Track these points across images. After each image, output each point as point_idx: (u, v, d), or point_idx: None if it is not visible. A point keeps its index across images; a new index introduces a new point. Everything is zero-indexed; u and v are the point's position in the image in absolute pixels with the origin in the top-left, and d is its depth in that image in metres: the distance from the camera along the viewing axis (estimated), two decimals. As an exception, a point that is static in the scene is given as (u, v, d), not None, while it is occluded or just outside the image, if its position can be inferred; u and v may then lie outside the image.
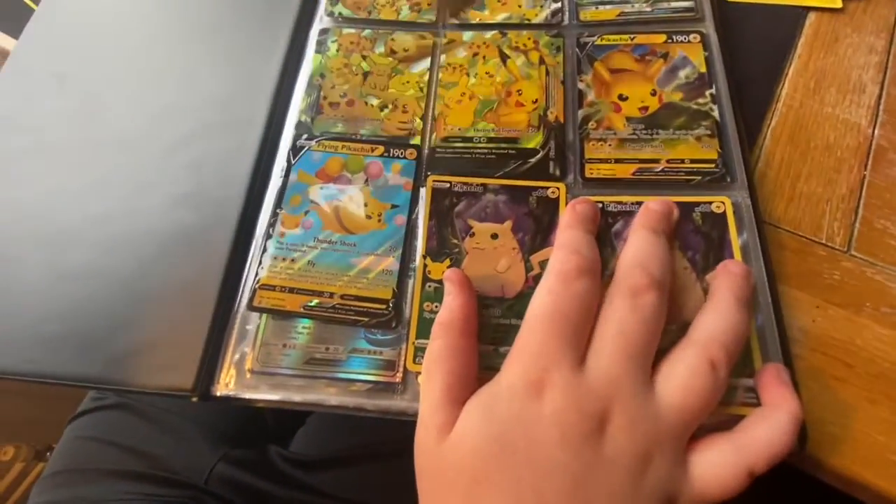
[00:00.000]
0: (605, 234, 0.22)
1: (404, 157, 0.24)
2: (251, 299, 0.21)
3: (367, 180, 0.24)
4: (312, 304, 0.21)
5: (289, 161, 0.25)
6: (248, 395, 0.20)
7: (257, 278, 0.22)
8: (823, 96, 0.27)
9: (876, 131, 0.26)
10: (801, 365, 0.20)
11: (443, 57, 0.28)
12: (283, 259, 0.22)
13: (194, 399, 0.20)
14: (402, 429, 0.19)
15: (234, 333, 0.21)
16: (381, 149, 0.25)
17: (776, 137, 0.26)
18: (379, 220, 0.23)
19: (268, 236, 0.23)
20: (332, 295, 0.21)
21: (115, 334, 0.22)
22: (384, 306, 0.21)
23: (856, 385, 0.20)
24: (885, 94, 0.27)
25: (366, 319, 0.21)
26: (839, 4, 0.31)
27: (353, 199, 0.23)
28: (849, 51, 0.29)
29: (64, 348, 0.22)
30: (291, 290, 0.21)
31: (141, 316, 0.22)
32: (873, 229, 0.23)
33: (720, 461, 0.16)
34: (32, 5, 0.41)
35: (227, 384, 0.20)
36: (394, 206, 0.23)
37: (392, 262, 0.22)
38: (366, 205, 0.23)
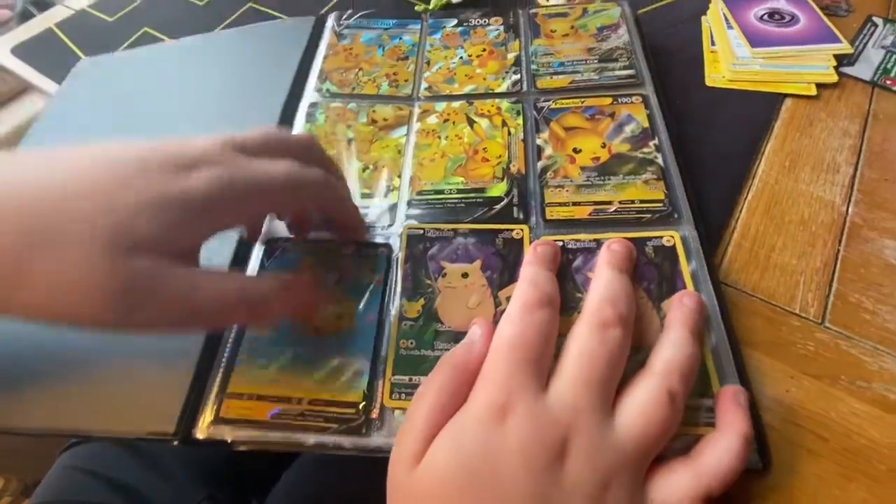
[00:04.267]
0: (567, 269, 0.23)
1: (375, 255, 0.25)
2: (218, 410, 0.21)
3: (338, 279, 0.25)
4: (277, 411, 0.21)
5: (262, 264, 0.25)
6: (227, 438, 0.21)
7: (225, 388, 0.22)
8: (798, 174, 0.29)
9: (850, 209, 0.27)
10: (774, 435, 0.20)
11: (418, 124, 0.31)
12: (254, 364, 0.22)
13: (175, 443, 0.20)
14: (376, 478, 0.19)
15: (217, 378, 0.22)
16: (353, 247, 0.26)
17: (752, 210, 0.27)
18: (350, 320, 0.23)
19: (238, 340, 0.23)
20: (300, 401, 0.21)
21: (96, 379, 0.22)
22: (354, 410, 0.21)
23: (830, 460, 0.20)
24: (860, 174, 0.29)
25: (335, 426, 0.20)
26: (814, 92, 0.33)
27: (324, 298, 0.24)
28: (823, 133, 0.31)
29: (41, 398, 0.22)
30: (260, 398, 0.21)
31: (123, 361, 0.23)
32: (847, 303, 0.24)
33: (678, 486, 0.17)
34: (80, 52, 0.47)
35: (206, 427, 0.21)
36: (366, 304, 0.24)
37: (363, 363, 0.22)
38: (337, 303, 0.24)
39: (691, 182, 0.26)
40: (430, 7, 0.43)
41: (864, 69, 0.34)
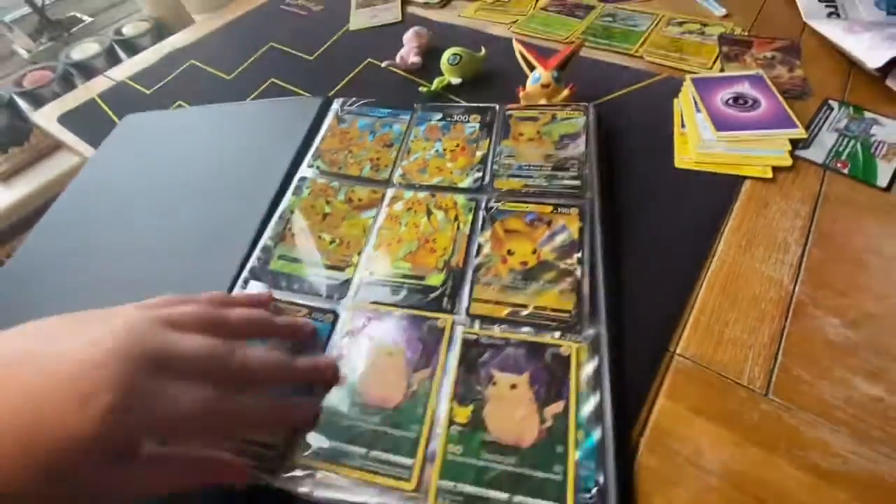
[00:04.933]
0: (474, 363, 0.27)
1: (322, 321, 0.29)
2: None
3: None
4: None
5: None
6: None
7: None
8: (753, 253, 0.32)
9: (797, 287, 0.31)
10: (716, 497, 0.23)
11: (386, 209, 0.35)
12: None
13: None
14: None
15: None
16: (306, 311, 0.30)
17: (710, 287, 0.31)
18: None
19: None
20: None
21: None
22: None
23: (766, 521, 0.23)
24: (807, 254, 0.32)
25: None
26: (770, 175, 0.37)
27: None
28: (777, 214, 0.35)
29: None
30: None
31: None
32: (790, 376, 0.27)
33: None
34: (115, 118, 0.53)
35: None
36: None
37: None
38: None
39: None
40: (433, 88, 0.48)
41: (817, 152, 0.38)
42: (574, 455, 0.23)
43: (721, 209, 0.35)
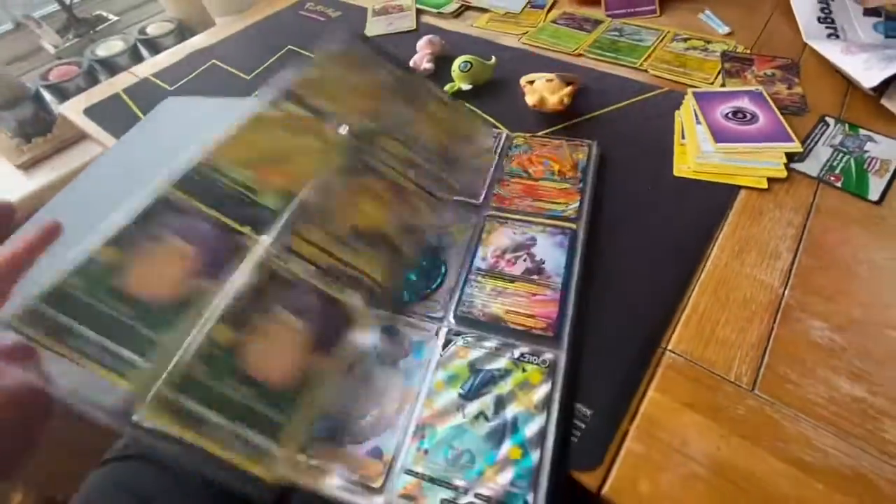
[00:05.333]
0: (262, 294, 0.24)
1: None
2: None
3: None
4: None
5: None
6: None
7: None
8: (745, 259, 0.34)
9: (786, 292, 0.32)
10: (702, 486, 0.24)
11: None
12: None
13: None
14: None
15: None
16: None
17: (702, 289, 0.32)
18: None
19: None
20: None
21: None
22: None
23: (739, 500, 0.24)
24: (798, 261, 0.33)
25: None
26: (765, 185, 0.38)
27: None
28: (770, 223, 0.36)
29: None
30: None
31: None
32: (775, 374, 0.28)
33: None
34: (140, 115, 0.55)
35: None
36: None
37: None
38: None
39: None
40: (443, 92, 0.50)
41: (812, 165, 0.40)
42: (508, 473, 0.24)
43: (716, 216, 0.37)
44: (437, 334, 0.30)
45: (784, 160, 0.40)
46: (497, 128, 0.46)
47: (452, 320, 0.31)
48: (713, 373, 0.28)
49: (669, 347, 0.30)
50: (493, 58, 0.52)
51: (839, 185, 0.38)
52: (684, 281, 0.33)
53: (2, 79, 0.69)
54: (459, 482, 0.25)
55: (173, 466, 0.41)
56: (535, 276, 0.32)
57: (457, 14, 0.65)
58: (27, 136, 0.75)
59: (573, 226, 0.35)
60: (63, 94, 0.76)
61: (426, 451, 0.26)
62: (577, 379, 0.28)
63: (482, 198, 0.38)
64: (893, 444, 0.25)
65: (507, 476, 0.24)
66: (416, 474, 0.25)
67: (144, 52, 0.84)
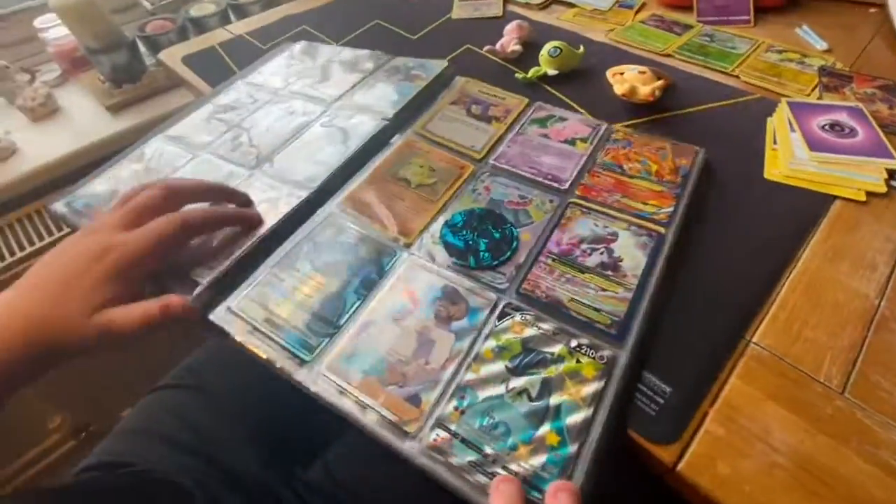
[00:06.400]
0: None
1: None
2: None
3: None
4: None
5: None
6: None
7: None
8: (838, 266, 0.33)
9: (882, 303, 0.31)
10: (784, 475, 0.24)
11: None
12: None
13: None
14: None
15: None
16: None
17: (792, 288, 0.32)
18: None
19: None
20: None
21: None
22: None
23: (830, 501, 0.23)
24: (895, 275, 0.32)
25: None
26: (863, 198, 0.37)
27: None
28: (867, 235, 0.35)
29: None
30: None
31: None
32: (868, 381, 0.27)
33: None
34: (232, 65, 0.57)
35: None
36: None
37: None
38: None
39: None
40: (528, 76, 0.50)
41: (913, 186, 0.38)
42: (542, 456, 0.24)
43: (809, 221, 0.36)
44: (495, 305, 0.30)
45: (885, 176, 0.38)
46: (579, 112, 0.46)
47: (515, 295, 0.31)
48: (800, 370, 0.28)
49: (754, 340, 0.29)
50: (582, 47, 0.52)
51: (944, 207, 0.36)
52: (774, 278, 0.32)
53: (107, 24, 0.74)
54: (489, 451, 0.24)
55: (222, 397, 0.43)
56: (609, 272, 0.32)
57: (544, 6, 0.66)
58: (118, 82, 0.80)
59: (662, 230, 0.34)
60: (156, 45, 0.81)
61: (462, 412, 0.26)
62: (637, 380, 0.28)
63: (568, 183, 0.38)
64: None
65: (539, 459, 0.24)
66: (449, 430, 0.25)
67: (232, 16, 0.88)
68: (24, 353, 0.29)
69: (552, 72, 0.50)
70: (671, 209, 0.35)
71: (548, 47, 0.50)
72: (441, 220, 0.35)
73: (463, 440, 0.25)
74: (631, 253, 0.32)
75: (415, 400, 0.26)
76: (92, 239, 0.31)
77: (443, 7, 0.67)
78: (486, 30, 0.60)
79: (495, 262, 0.32)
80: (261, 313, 0.30)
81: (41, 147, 0.71)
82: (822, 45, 0.55)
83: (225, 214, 0.36)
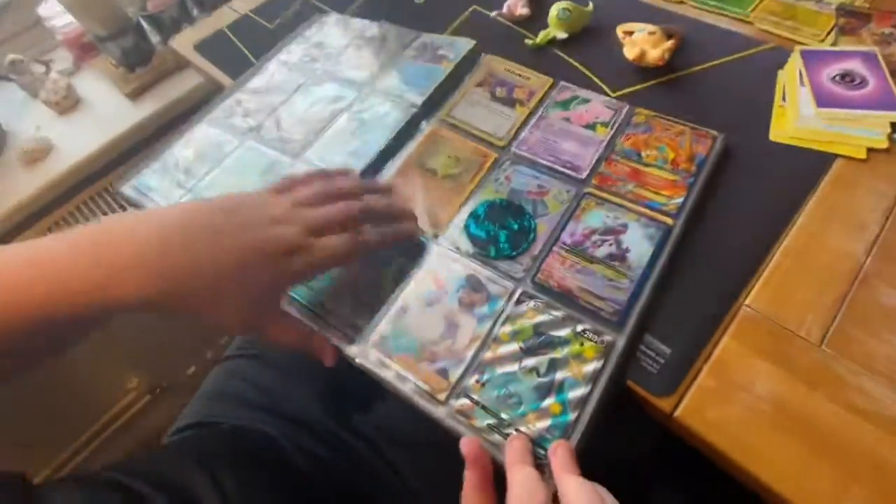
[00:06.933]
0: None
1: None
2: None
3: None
4: None
5: None
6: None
7: None
8: (831, 227, 0.36)
9: (867, 261, 0.34)
10: (764, 419, 0.29)
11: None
12: None
13: None
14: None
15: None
16: None
17: (786, 252, 0.35)
18: None
19: None
20: None
21: None
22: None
23: (798, 439, 0.28)
24: (884, 234, 0.35)
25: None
26: (864, 155, 0.39)
27: None
28: (863, 194, 0.37)
29: None
30: None
31: None
32: (844, 334, 0.31)
33: None
34: (247, 52, 0.59)
35: None
36: None
37: None
38: None
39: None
40: (538, 41, 0.50)
41: (917, 137, 0.39)
42: (546, 421, 0.29)
43: (809, 183, 0.38)
44: (512, 293, 0.35)
45: (888, 130, 0.39)
46: (594, 82, 0.47)
47: (530, 283, 0.35)
48: (785, 328, 0.32)
49: (747, 303, 0.33)
50: (591, 3, 0.51)
51: (943, 159, 0.38)
52: (769, 243, 0.35)
53: (111, 9, 0.74)
54: (505, 416, 0.30)
55: (279, 362, 0.50)
56: (615, 263, 0.35)
57: (550, -50, 0.63)
58: (130, 66, 0.81)
59: (669, 221, 0.36)
60: (158, 23, 0.80)
61: (483, 385, 0.31)
62: (631, 360, 0.32)
63: (585, 172, 0.40)
64: (945, 401, 0.29)
65: (544, 423, 0.29)
66: (472, 399, 0.31)
67: (230, -18, 0.86)
68: (139, 306, 0.27)
69: (562, 35, 0.50)
70: (681, 200, 0.37)
71: (556, 9, 0.50)
72: (466, 210, 0.39)
73: (483, 407, 0.31)
74: (638, 244, 0.35)
75: (443, 374, 0.32)
76: (281, 231, 0.31)
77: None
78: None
79: (514, 253, 0.36)
80: (313, 297, 0.36)
81: (74, 142, 0.75)
82: (844, -25, 0.52)
83: (396, 236, 0.37)
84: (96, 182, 0.77)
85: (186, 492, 0.32)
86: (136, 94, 0.80)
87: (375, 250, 0.35)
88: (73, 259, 0.26)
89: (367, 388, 0.50)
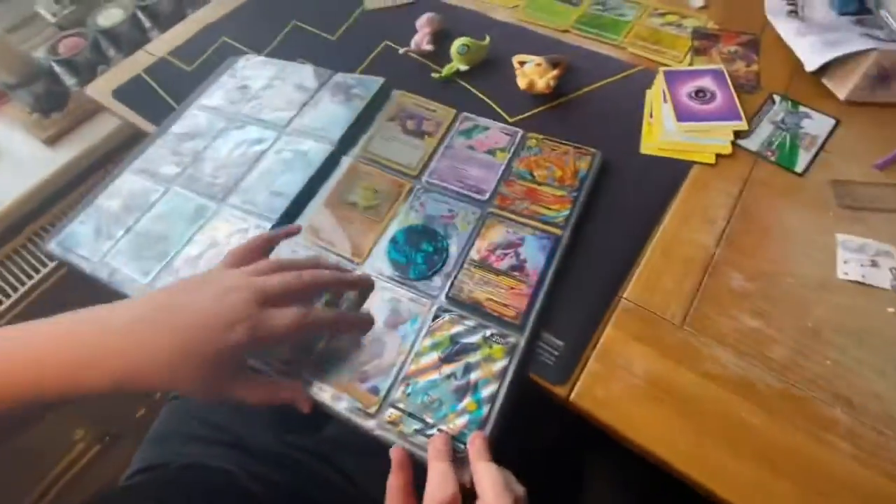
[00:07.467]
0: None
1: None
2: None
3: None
4: None
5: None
6: None
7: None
8: (690, 224, 0.43)
9: (717, 251, 0.41)
10: (639, 392, 0.35)
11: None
12: None
13: None
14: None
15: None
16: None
17: (655, 251, 0.42)
18: None
19: None
20: None
21: None
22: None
23: (670, 405, 0.35)
24: (729, 226, 0.43)
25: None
26: (713, 161, 0.47)
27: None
28: (713, 193, 0.45)
29: None
30: None
31: None
32: (700, 313, 0.38)
33: None
34: (164, 95, 0.60)
35: None
36: None
37: None
38: None
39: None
40: (443, 74, 0.56)
41: (753, 142, 0.48)
42: (465, 418, 0.34)
43: (672, 188, 0.45)
44: (430, 309, 0.39)
45: (732, 137, 0.47)
46: (495, 110, 0.53)
47: (444, 299, 0.40)
48: (654, 314, 0.39)
49: (625, 296, 0.40)
50: (487, 37, 0.57)
51: (773, 159, 0.46)
52: (641, 243, 0.42)
53: (18, 56, 0.72)
54: (429, 419, 0.34)
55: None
56: (515, 273, 0.40)
57: (451, -16, 0.68)
58: (44, 112, 0.79)
59: (558, 232, 0.42)
60: (74, 67, 0.79)
61: (409, 394, 0.36)
62: (531, 357, 0.37)
63: (488, 195, 0.45)
64: (775, 361, 0.36)
65: (463, 420, 0.34)
66: (399, 409, 0.35)
67: (144, 19, 0.86)
68: (110, 389, 0.30)
69: (464, 67, 0.56)
70: (568, 212, 0.43)
71: (456, 45, 0.55)
72: (385, 238, 0.43)
73: (410, 414, 0.35)
74: (533, 254, 0.41)
75: (373, 390, 0.36)
76: (230, 300, 0.31)
77: (355, -3, 0.69)
78: (400, 19, 0.63)
79: (430, 273, 0.41)
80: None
81: (-7, 194, 0.72)
82: (698, 2, 0.61)
83: (346, 317, 0.38)
84: (20, 233, 0.75)
85: None
86: (53, 140, 0.78)
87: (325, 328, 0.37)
88: (52, 353, 0.30)
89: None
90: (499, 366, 0.36)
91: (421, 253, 0.42)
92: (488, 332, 0.38)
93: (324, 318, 0.35)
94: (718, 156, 0.47)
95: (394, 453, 0.32)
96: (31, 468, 0.96)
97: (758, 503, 0.31)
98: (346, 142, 0.50)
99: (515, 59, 0.56)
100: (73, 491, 1.01)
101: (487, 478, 0.29)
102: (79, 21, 0.87)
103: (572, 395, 0.36)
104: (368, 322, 0.38)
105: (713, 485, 0.32)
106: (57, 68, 0.79)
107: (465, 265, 0.41)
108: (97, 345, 0.30)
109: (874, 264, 0.39)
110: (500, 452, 0.32)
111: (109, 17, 0.83)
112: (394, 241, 0.43)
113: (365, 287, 0.40)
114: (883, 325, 0.37)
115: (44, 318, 0.32)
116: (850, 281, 0.39)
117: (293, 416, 0.53)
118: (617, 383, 0.36)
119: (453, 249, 0.42)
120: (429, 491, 0.29)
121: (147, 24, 0.85)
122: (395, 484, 0.31)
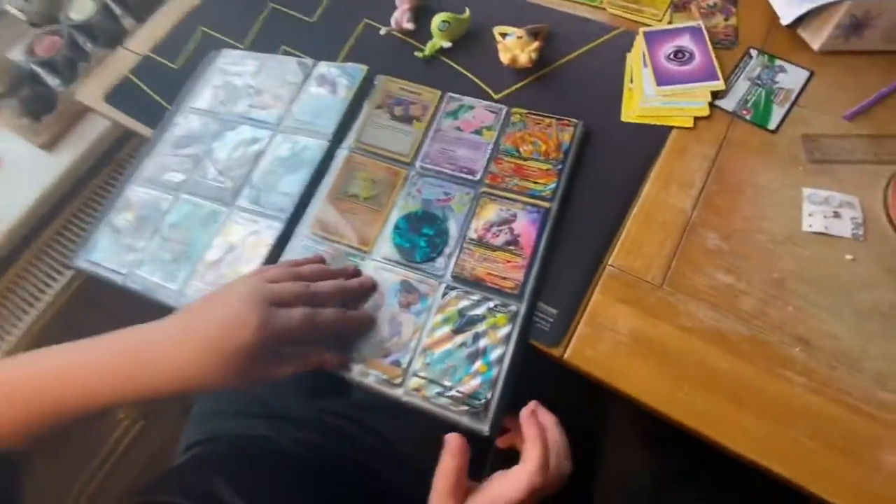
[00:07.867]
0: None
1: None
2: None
3: None
4: None
5: None
6: None
7: None
8: (669, 190, 0.46)
9: (694, 213, 0.45)
10: (624, 349, 0.40)
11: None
12: None
13: None
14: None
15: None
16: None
17: (636, 218, 0.45)
18: None
19: None
20: None
21: None
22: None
23: (648, 358, 0.40)
24: (706, 188, 0.46)
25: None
26: (691, 124, 0.49)
27: None
28: (690, 158, 0.47)
29: None
30: None
31: None
32: (678, 273, 0.42)
33: None
34: (154, 96, 0.62)
35: None
36: None
37: None
38: None
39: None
40: (426, 53, 0.56)
41: (730, 101, 0.49)
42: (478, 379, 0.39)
43: (653, 154, 0.48)
44: (438, 288, 0.43)
45: (709, 99, 0.49)
46: (480, 87, 0.54)
47: (450, 278, 0.44)
48: (637, 277, 0.43)
49: (610, 263, 0.44)
50: (467, 10, 0.57)
51: (748, 118, 0.48)
52: (625, 210, 0.45)
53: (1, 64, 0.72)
54: (447, 383, 0.40)
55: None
56: (511, 247, 0.44)
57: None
58: (34, 115, 0.80)
59: (547, 205, 0.45)
60: (54, 67, 0.79)
61: (428, 364, 0.41)
62: (532, 322, 0.42)
63: (479, 175, 0.47)
64: (744, 311, 0.40)
65: (476, 382, 0.39)
66: (421, 377, 0.40)
67: (115, 7, 0.84)
68: (151, 398, 0.36)
69: (447, 44, 0.56)
70: (554, 185, 0.46)
71: (436, 22, 0.56)
72: (389, 226, 0.47)
73: (430, 380, 0.40)
74: (526, 228, 0.45)
75: (395, 363, 0.41)
76: (248, 300, 0.36)
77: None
78: (379, -2, 0.62)
79: (434, 255, 0.45)
80: None
81: (1, 207, 0.75)
82: (678, -50, 0.60)
83: (349, 316, 0.42)
84: (34, 242, 0.78)
85: (213, 498, 0.40)
86: (50, 145, 0.79)
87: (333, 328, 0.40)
88: (95, 372, 0.36)
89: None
90: (503, 332, 0.41)
91: (423, 237, 0.46)
92: (492, 304, 0.42)
93: (329, 317, 0.39)
94: (696, 119, 0.49)
95: (451, 440, 0.36)
96: (83, 447, 1.06)
97: (730, 434, 0.37)
98: (338, 135, 0.52)
99: (497, 31, 0.56)
100: (124, 463, 1.12)
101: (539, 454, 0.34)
102: (50, 15, 0.85)
103: (566, 355, 0.41)
104: (369, 321, 0.43)
105: (692, 423, 0.37)
106: (38, 70, 0.79)
107: (465, 245, 0.45)
108: (136, 360, 0.36)
109: (836, 215, 0.43)
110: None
111: (81, 9, 0.82)
112: (397, 227, 0.46)
113: (367, 290, 0.44)
114: (841, 272, 0.41)
115: (80, 341, 0.37)
116: (814, 232, 0.42)
117: (322, 383, 0.59)
118: (604, 342, 0.41)
119: (452, 231, 0.46)
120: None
121: (118, 11, 0.83)
122: (450, 465, 0.34)
